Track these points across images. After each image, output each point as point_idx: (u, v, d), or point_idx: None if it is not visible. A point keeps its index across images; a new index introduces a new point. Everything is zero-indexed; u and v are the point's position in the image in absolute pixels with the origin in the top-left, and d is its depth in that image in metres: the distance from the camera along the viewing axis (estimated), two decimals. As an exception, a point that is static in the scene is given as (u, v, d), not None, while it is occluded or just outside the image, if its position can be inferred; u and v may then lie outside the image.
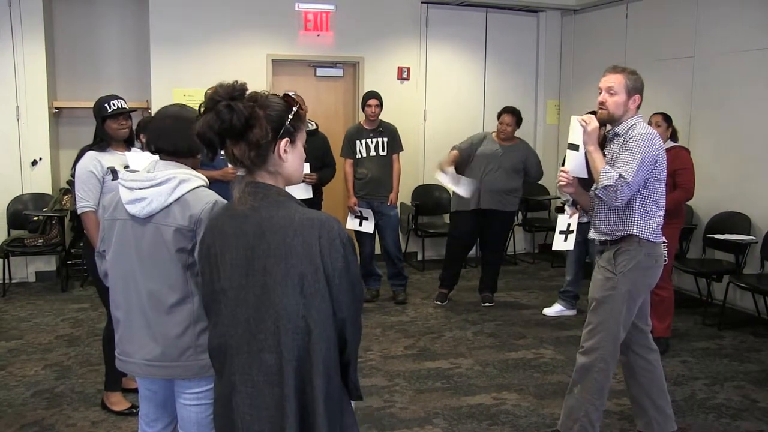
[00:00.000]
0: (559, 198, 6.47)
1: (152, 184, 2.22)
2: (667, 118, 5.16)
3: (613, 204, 3.19)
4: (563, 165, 3.54)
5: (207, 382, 2.33)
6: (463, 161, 5.87)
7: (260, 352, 1.74)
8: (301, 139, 1.84)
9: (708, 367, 4.71)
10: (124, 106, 3.75)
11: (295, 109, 1.79)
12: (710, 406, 4.07)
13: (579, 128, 3.30)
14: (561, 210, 5.67)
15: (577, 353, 3.43)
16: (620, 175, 3.11)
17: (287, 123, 1.76)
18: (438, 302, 6.14)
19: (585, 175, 3.33)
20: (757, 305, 5.55)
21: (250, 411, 1.76)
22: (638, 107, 3.31)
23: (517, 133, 6.01)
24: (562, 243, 5.34)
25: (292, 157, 1.80)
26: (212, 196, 2.24)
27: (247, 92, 1.75)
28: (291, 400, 1.71)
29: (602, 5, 7.47)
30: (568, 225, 5.27)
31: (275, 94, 1.81)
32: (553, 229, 5.48)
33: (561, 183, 3.38)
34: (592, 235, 3.44)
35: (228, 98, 1.72)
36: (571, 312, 5.85)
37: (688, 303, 6.00)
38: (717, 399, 4.18)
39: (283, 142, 1.77)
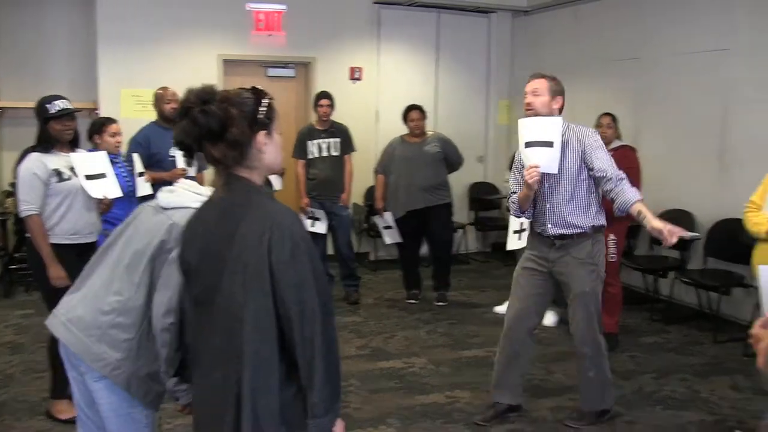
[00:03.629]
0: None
1: None
2: (615, 119, 5.30)
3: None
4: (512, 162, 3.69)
5: (114, 391, 2.25)
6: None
7: (210, 333, 1.78)
8: (277, 128, 1.83)
9: (655, 361, 4.82)
10: (68, 106, 3.66)
11: (266, 100, 1.79)
12: (657, 399, 4.18)
13: (552, 125, 3.46)
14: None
15: (577, 347, 3.73)
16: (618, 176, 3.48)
17: (261, 115, 1.76)
18: (412, 301, 6.21)
19: (556, 171, 3.50)
20: (700, 300, 5.70)
21: (200, 394, 1.85)
22: (560, 108, 3.62)
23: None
24: (516, 242, 5.41)
25: (270, 149, 1.80)
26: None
27: (217, 93, 1.75)
28: (230, 390, 1.71)
29: (552, 7, 7.58)
30: (521, 224, 5.34)
31: (244, 88, 1.81)
32: (505, 227, 5.55)
33: (535, 178, 3.48)
34: (556, 230, 3.60)
35: (200, 103, 1.71)
36: (523, 309, 5.90)
37: (636, 299, 6.13)
38: (663, 391, 4.29)
39: (261, 135, 1.77)
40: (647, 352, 5.00)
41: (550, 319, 5.66)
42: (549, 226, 3.62)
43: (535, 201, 3.65)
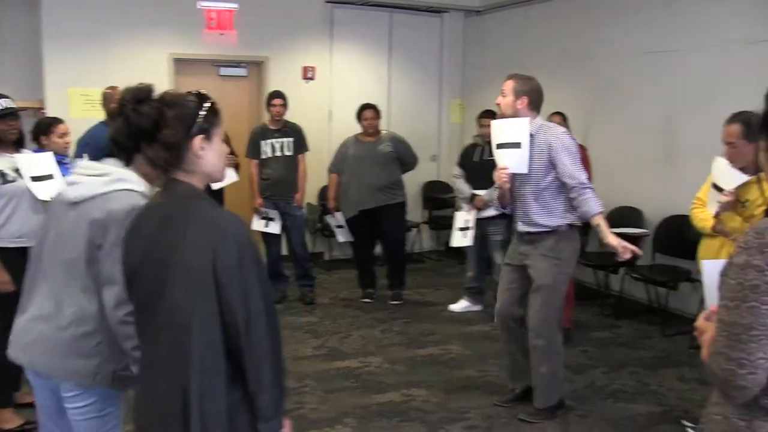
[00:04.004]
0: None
1: None
2: (565, 118, 5.40)
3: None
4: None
5: (91, 394, 2.21)
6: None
7: (152, 341, 1.74)
8: (219, 134, 1.80)
9: (606, 355, 4.92)
10: (11, 105, 3.56)
11: (207, 104, 1.76)
12: (608, 392, 4.27)
13: (520, 128, 3.56)
14: (458, 207, 5.81)
15: (530, 338, 3.77)
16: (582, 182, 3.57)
17: (200, 119, 1.73)
18: (367, 300, 6.20)
19: (526, 171, 3.61)
20: (649, 295, 5.84)
21: (143, 400, 1.79)
22: (528, 107, 3.67)
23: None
24: (461, 239, 5.52)
25: (209, 154, 1.77)
26: None
27: (155, 93, 1.73)
28: (176, 396, 1.67)
29: (504, 7, 7.66)
30: (467, 221, 5.43)
31: (190, 92, 1.78)
32: (458, 226, 5.62)
33: (504, 180, 3.64)
34: (524, 228, 3.73)
35: (134, 101, 1.69)
36: (477, 307, 5.96)
37: (588, 294, 6.24)
38: (614, 385, 4.37)
39: (197, 140, 1.74)
40: (599, 346, 5.10)
41: (461, 305, 5.93)
42: (519, 224, 3.77)
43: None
